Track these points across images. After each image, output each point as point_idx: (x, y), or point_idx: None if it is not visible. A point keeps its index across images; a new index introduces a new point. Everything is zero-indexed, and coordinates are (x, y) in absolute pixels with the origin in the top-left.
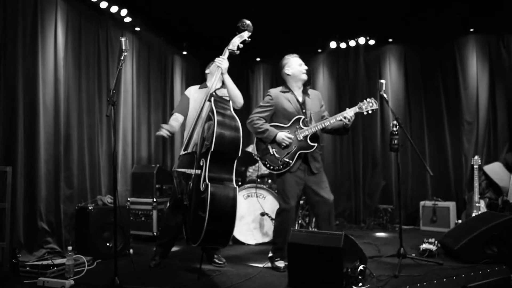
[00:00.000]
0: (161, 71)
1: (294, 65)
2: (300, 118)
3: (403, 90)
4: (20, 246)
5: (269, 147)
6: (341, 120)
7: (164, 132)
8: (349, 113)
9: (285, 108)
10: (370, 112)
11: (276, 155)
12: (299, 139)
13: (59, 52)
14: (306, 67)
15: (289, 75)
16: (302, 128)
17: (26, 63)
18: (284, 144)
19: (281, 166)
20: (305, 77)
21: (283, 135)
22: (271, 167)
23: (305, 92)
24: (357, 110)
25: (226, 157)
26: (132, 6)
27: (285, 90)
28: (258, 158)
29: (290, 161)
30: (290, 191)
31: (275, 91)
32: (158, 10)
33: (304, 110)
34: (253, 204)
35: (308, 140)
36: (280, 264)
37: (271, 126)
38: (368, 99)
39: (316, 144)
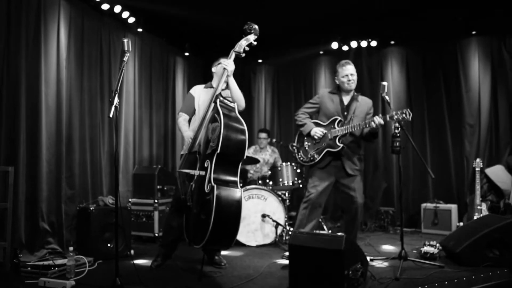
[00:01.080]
0: (163, 72)
1: (339, 76)
2: (336, 119)
3: (405, 92)
4: (22, 246)
5: (305, 139)
6: (369, 125)
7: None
8: (378, 119)
9: (327, 107)
10: (401, 121)
11: (307, 149)
12: (329, 137)
13: (62, 52)
14: (351, 79)
15: (337, 83)
16: (335, 128)
17: (28, 63)
18: (316, 137)
19: (309, 160)
20: (349, 87)
21: (316, 129)
22: (301, 159)
23: (354, 97)
24: (388, 118)
25: (231, 159)
26: (134, 7)
27: (334, 91)
28: (295, 149)
29: (316, 156)
30: (314, 185)
31: (324, 91)
32: (160, 11)
33: (345, 113)
34: (254, 206)
35: (337, 140)
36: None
37: (313, 122)
38: (404, 110)
39: (342, 145)
